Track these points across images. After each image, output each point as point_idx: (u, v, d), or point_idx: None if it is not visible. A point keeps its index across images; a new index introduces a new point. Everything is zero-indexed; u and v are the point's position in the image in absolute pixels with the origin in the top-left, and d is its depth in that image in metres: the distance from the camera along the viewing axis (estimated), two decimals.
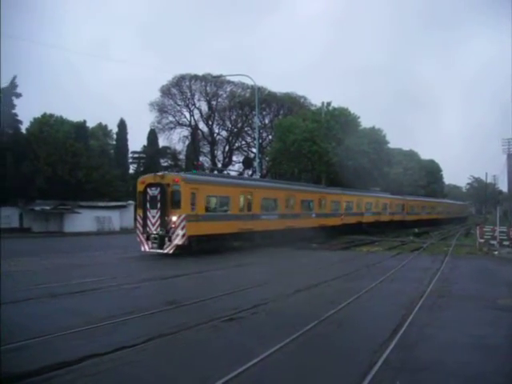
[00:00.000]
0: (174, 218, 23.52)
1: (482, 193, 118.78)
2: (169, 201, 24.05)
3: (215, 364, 7.45)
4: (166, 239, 23.68)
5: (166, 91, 71.98)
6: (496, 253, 26.58)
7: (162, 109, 73.31)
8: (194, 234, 24.10)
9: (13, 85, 56.11)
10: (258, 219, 29.81)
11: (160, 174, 25.34)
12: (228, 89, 73.31)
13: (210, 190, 26.14)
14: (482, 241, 29.90)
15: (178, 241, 23.45)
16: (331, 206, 40.70)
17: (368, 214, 48.38)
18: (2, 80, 52.33)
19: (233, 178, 35.48)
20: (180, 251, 23.89)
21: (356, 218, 45.59)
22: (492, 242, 29.54)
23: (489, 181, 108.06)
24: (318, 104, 63.07)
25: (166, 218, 23.73)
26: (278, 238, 31.19)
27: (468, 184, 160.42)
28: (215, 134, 76.73)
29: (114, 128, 74.69)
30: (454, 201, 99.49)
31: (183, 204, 23.89)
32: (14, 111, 56.71)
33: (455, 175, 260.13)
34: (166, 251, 23.55)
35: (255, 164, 50.89)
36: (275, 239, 31.02)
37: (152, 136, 73.16)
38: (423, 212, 66.72)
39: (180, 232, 23.46)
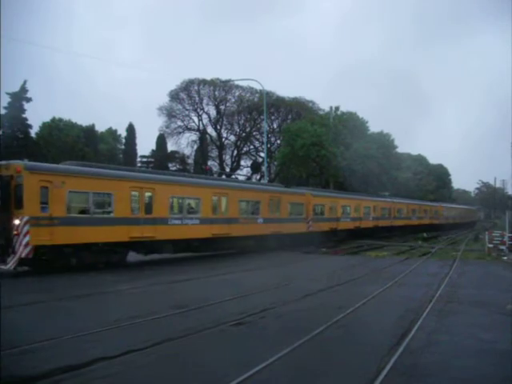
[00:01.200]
0: (17, 222, 17.71)
1: (491, 197, 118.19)
2: (11, 198, 18.25)
3: (223, 368, 7.46)
4: (10, 250, 17.76)
5: (174, 96, 72.20)
6: (505, 258, 26.41)
7: (170, 113, 73.52)
8: (45, 243, 18.10)
9: (23, 89, 56.62)
10: (163, 224, 23.19)
11: (4, 162, 18.92)
12: (236, 93, 73.44)
13: (76, 184, 19.86)
14: (491, 246, 29.72)
15: (21, 253, 17.55)
16: (289, 209, 33.73)
17: (346, 219, 43.16)
18: (12, 85, 52.87)
19: (121, 169, 25.82)
20: (31, 267, 18.86)
21: (329, 225, 39.24)
22: (501, 247, 29.35)
23: (497, 185, 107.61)
24: (327, 109, 63.14)
25: (7, 221, 17.93)
26: (203, 248, 26.26)
27: (477, 189, 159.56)
28: (223, 139, 76.83)
29: (122, 132, 75.16)
30: (460, 205, 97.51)
31: (26, 202, 17.99)
32: (24, 115, 57.24)
33: (464, 180, 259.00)
34: (7, 267, 17.67)
35: (263, 168, 50.87)
36: (199, 249, 26.07)
37: (161, 140, 73.46)
38: (414, 217, 60.32)
39: (24, 240, 17.63)
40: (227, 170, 72.97)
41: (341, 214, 41.28)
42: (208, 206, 26.06)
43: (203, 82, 70.72)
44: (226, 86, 68.51)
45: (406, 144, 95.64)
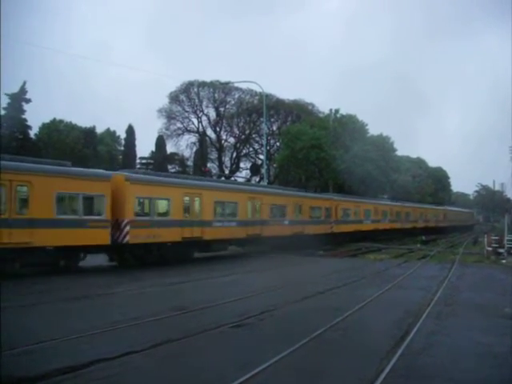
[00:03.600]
0: None
1: (490, 201, 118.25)
2: None
3: (223, 370, 7.49)
4: None
5: (174, 98, 72.15)
6: (504, 261, 26.44)
7: (170, 115, 73.46)
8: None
9: (22, 90, 56.62)
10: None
11: None
12: (236, 95, 73.36)
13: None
14: (489, 249, 29.76)
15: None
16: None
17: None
18: (12, 86, 52.92)
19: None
20: None
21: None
22: (500, 250, 29.39)
23: (496, 188, 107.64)
24: (326, 111, 63.16)
25: None
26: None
27: (476, 192, 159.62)
28: (223, 141, 76.74)
29: (122, 134, 75.11)
30: (457, 208, 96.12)
31: None
32: (23, 116, 57.22)
33: (463, 183, 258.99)
34: None
35: (263, 171, 50.89)
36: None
37: (160, 142, 73.40)
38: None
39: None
40: (226, 172, 72.98)
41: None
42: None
43: (203, 84, 70.71)
44: (225, 88, 68.43)
45: (406, 147, 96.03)
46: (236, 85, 65.01)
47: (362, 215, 46.07)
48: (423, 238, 50.11)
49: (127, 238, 21.03)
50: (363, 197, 49.20)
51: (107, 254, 22.12)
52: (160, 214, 23.49)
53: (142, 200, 22.89)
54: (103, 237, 20.36)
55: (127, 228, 21.12)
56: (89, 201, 20.62)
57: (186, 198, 24.67)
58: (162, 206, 23.94)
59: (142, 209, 22.98)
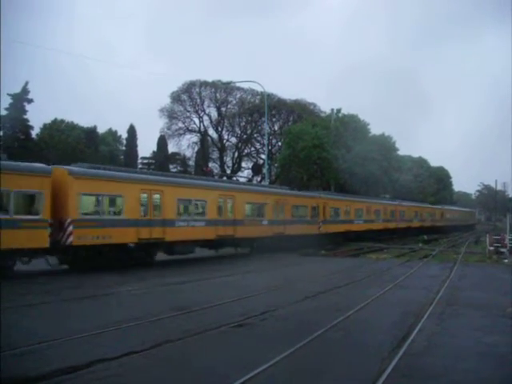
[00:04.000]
0: None
1: (492, 200, 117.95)
2: None
3: (224, 370, 7.46)
4: None
5: (175, 97, 72.17)
6: (506, 261, 26.38)
7: (171, 115, 73.47)
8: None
9: (25, 90, 56.70)
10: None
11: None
12: (238, 95, 73.36)
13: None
14: (491, 248, 29.69)
15: None
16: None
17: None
18: (14, 86, 52.97)
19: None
20: None
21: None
22: (502, 249, 29.33)
23: (499, 188, 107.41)
24: (328, 111, 63.07)
25: None
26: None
27: (477, 191, 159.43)
28: (224, 141, 76.73)
29: (123, 133, 75.17)
30: (454, 206, 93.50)
31: None
32: (25, 116, 57.31)
33: (465, 182, 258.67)
34: None
35: (264, 170, 50.82)
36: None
37: (162, 142, 73.44)
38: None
39: None
40: (228, 171, 72.96)
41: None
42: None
43: (204, 83, 70.72)
44: (227, 87, 68.40)
45: (407, 146, 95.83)
46: (238, 84, 65.03)
47: (352, 215, 45.15)
48: (425, 237, 50.04)
49: (71, 239, 19.14)
50: (354, 195, 48.88)
51: (56, 256, 20.29)
52: (111, 213, 21.80)
53: (88, 197, 20.92)
54: (40, 239, 18.28)
55: (70, 228, 19.22)
56: (24, 198, 18.73)
57: (144, 195, 22.72)
58: (113, 203, 22.18)
59: (89, 207, 21.16)
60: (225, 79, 61.05)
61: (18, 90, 56.66)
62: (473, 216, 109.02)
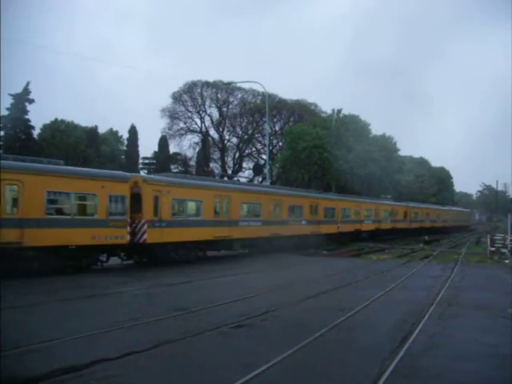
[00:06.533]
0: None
1: (493, 200, 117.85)
2: None
3: (224, 370, 7.46)
4: None
5: (177, 98, 72.28)
6: (507, 261, 26.36)
7: (173, 115, 73.56)
8: None
9: (26, 91, 56.76)
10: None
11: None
12: (239, 96, 73.48)
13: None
14: (492, 249, 29.68)
15: None
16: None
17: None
18: (15, 86, 53.04)
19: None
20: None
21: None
22: (503, 250, 29.31)
23: (500, 188, 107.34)
24: (329, 111, 63.14)
25: None
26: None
27: (479, 192, 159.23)
28: (226, 141, 76.83)
29: (124, 134, 75.20)
30: (447, 207, 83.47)
31: None
32: (26, 117, 57.37)
33: (466, 183, 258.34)
34: None
35: (265, 171, 50.85)
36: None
37: (163, 142, 73.49)
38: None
39: None
40: (229, 172, 73.00)
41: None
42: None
43: (206, 84, 70.80)
44: (228, 88, 68.55)
45: (408, 147, 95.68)
46: (239, 85, 65.22)
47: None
48: (426, 238, 50.00)
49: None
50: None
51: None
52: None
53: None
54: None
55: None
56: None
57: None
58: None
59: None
60: (226, 79, 61.36)
61: (18, 90, 56.81)
62: (470, 216, 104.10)
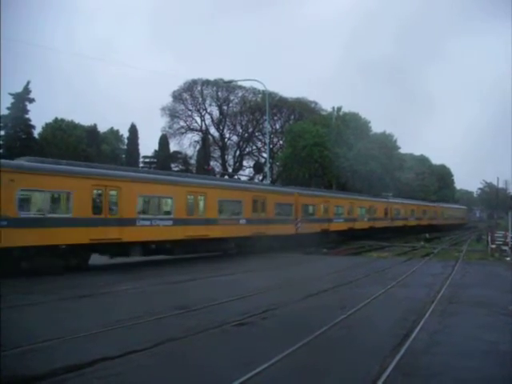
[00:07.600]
0: None
1: (494, 198, 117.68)
2: None
3: (225, 368, 7.46)
4: None
5: (177, 96, 72.25)
6: (508, 258, 26.36)
7: (173, 114, 73.55)
8: None
9: (26, 90, 56.78)
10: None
11: None
12: (239, 94, 73.43)
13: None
14: (493, 246, 29.67)
15: None
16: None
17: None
18: (16, 86, 53.03)
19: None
20: None
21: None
22: (504, 247, 29.30)
23: (500, 186, 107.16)
24: (329, 109, 63.07)
25: None
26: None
27: (479, 189, 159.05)
28: (226, 139, 76.81)
29: (125, 132, 75.18)
30: (440, 203, 75.45)
31: None
32: (27, 116, 57.41)
33: (467, 180, 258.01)
34: None
35: (266, 169, 50.82)
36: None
37: (163, 141, 73.47)
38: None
39: None
40: (230, 170, 72.97)
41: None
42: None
43: (206, 82, 70.76)
44: (228, 86, 68.50)
45: (409, 144, 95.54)
46: (239, 83, 65.08)
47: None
48: (427, 235, 49.99)
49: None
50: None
51: None
52: None
53: None
54: None
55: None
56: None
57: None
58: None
59: None
60: (226, 77, 61.29)
61: (19, 89, 56.83)
62: (464, 214, 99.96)
